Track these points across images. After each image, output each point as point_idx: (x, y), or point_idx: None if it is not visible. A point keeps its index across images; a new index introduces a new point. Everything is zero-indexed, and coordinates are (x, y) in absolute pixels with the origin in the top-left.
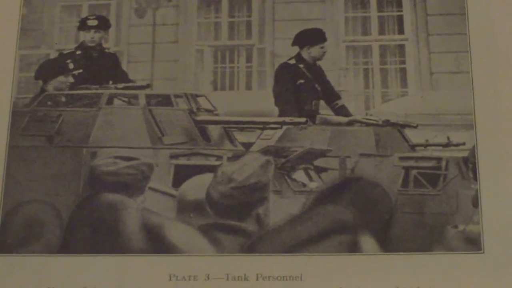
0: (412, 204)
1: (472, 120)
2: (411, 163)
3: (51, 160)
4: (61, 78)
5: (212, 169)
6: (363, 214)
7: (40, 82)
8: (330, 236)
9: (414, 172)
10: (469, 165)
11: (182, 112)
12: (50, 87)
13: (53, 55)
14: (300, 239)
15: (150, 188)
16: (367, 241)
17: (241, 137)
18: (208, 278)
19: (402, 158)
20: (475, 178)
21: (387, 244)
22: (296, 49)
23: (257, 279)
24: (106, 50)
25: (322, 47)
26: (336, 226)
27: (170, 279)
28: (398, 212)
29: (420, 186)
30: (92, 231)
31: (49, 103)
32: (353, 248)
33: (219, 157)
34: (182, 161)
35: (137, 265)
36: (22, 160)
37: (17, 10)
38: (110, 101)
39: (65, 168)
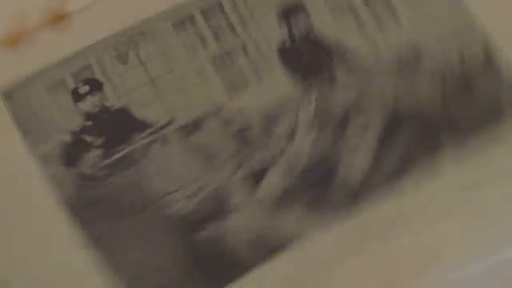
0: None
1: None
2: None
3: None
4: (87, 155)
5: None
6: None
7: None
8: None
9: None
10: None
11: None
12: (83, 169)
13: (67, 137)
14: None
15: None
16: None
17: None
18: None
19: None
20: None
21: None
22: None
23: None
24: (113, 109)
25: None
26: None
27: None
28: None
29: None
30: None
31: (90, 183)
32: None
33: None
34: None
35: None
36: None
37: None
38: (146, 152)
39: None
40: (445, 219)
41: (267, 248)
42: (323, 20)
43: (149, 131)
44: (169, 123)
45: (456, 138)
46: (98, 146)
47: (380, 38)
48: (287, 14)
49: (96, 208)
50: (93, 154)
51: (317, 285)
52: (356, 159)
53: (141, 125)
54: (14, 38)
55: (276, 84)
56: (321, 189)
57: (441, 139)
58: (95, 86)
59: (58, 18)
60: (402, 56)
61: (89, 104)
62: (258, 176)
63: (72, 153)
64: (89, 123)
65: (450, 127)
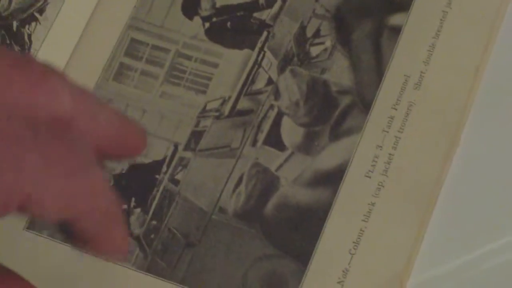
0: None
1: None
2: None
3: None
4: (133, 219)
5: None
6: None
7: None
8: None
9: None
10: None
11: None
12: (137, 231)
13: None
14: None
15: None
16: None
17: None
18: None
19: None
20: None
21: None
22: None
23: None
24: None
25: None
26: None
27: None
28: None
29: None
30: None
31: (150, 237)
32: None
33: None
34: None
35: None
36: None
37: None
38: (175, 181)
39: None
40: None
41: None
42: None
43: (164, 166)
44: (175, 149)
45: None
46: (135, 206)
47: None
48: None
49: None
50: (136, 215)
51: None
52: None
53: (155, 166)
54: None
55: None
56: None
57: None
58: None
59: None
60: None
61: None
62: None
63: None
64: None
65: None
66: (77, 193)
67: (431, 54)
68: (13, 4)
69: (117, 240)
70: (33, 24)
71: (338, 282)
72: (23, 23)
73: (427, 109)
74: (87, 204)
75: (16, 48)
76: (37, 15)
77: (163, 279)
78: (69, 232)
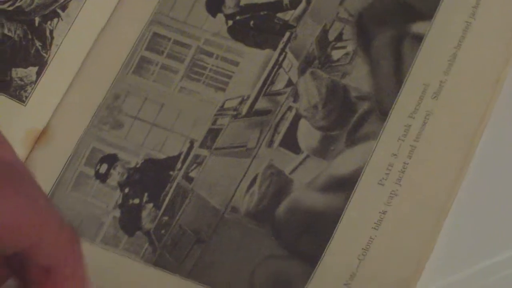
0: None
1: None
2: None
3: None
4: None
5: None
6: None
7: None
8: None
9: None
10: None
11: None
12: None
13: (117, 213)
14: None
15: None
16: None
17: None
18: None
19: None
20: None
21: None
22: None
23: None
24: (138, 165)
25: None
26: None
27: None
28: None
29: None
30: None
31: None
32: None
33: None
34: None
35: None
36: None
37: None
38: (189, 178)
39: None
40: None
41: None
42: None
43: (179, 162)
44: (191, 146)
45: None
46: (147, 201)
47: None
48: None
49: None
50: (148, 210)
51: None
52: None
53: (169, 162)
54: None
55: None
56: None
57: None
58: (111, 159)
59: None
60: None
61: (116, 176)
62: None
63: (129, 222)
64: (127, 189)
65: None
66: None
67: (452, 64)
68: (36, 0)
69: None
70: (55, 20)
71: (345, 284)
72: (45, 19)
73: (444, 119)
74: None
75: (38, 43)
76: (59, 11)
77: (170, 272)
78: None
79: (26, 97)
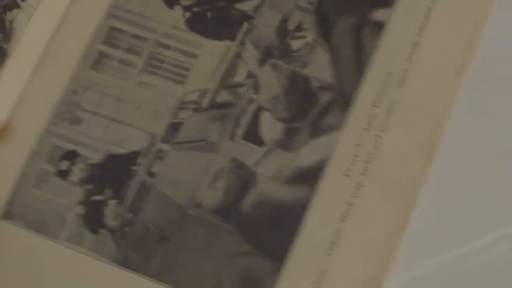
0: None
1: None
2: None
3: None
4: (107, 210)
5: None
6: None
7: None
8: None
9: None
10: None
11: None
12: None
13: (81, 209)
14: None
15: None
16: None
17: None
18: None
19: None
20: None
21: None
22: None
23: None
24: (99, 161)
25: None
26: None
27: None
28: None
29: None
30: None
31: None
32: None
33: None
34: None
35: None
36: None
37: None
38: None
39: None
40: None
41: None
42: None
43: (140, 157)
44: (152, 140)
45: None
46: (110, 197)
47: None
48: None
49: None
50: (111, 207)
51: None
52: None
53: (131, 157)
54: None
55: None
56: None
57: None
58: (71, 155)
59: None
60: None
61: (77, 172)
62: None
63: (93, 218)
64: (89, 186)
65: None
66: None
67: (414, 52)
68: None
69: None
70: (15, 10)
71: (314, 283)
72: (5, 9)
73: (409, 108)
74: None
75: None
76: (19, 1)
77: (137, 273)
78: None
79: None
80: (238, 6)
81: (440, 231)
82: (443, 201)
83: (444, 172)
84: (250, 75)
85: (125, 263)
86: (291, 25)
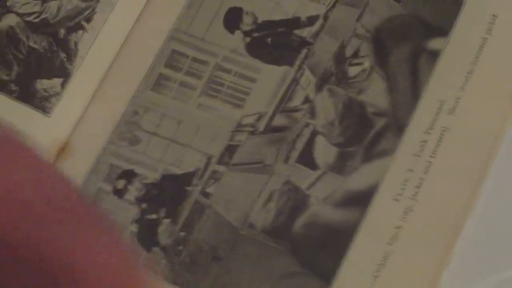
0: None
1: None
2: None
3: None
4: (161, 229)
5: None
6: None
7: None
8: None
9: None
10: None
11: None
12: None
13: (134, 228)
14: None
15: None
16: None
17: None
18: None
19: None
20: None
21: None
22: None
23: None
24: (156, 181)
25: None
26: None
27: None
28: None
29: None
30: None
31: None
32: None
33: None
34: None
35: None
36: None
37: None
38: (207, 194)
39: None
40: None
41: None
42: None
43: (196, 178)
44: (208, 162)
45: None
46: (164, 216)
47: None
48: None
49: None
50: (165, 225)
51: None
52: None
53: (186, 177)
54: None
55: None
56: None
57: None
58: (129, 175)
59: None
60: None
61: (134, 191)
62: None
63: (146, 237)
64: (144, 205)
65: None
66: None
67: (468, 80)
68: (61, 12)
69: None
70: (80, 32)
71: None
72: (70, 31)
73: (460, 136)
74: None
75: (63, 55)
76: (84, 23)
77: None
78: None
79: (51, 108)
80: (298, 32)
81: (486, 256)
82: (489, 228)
83: (493, 199)
84: (307, 100)
85: (176, 281)
86: (349, 52)
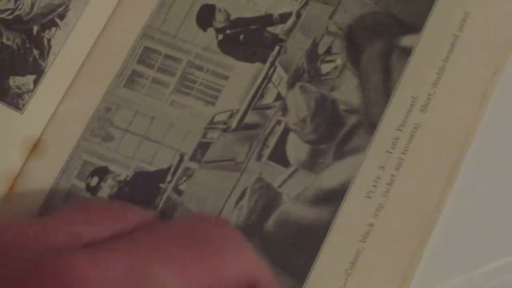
0: None
1: None
2: None
3: None
4: None
5: None
6: None
7: None
8: None
9: None
10: None
11: None
12: None
13: None
14: None
15: None
16: None
17: None
18: None
19: None
20: None
21: None
22: None
23: None
24: (128, 178)
25: None
26: None
27: None
28: None
29: None
30: None
31: None
32: None
33: None
34: None
35: None
36: None
37: None
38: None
39: None
40: None
41: None
42: None
43: (169, 175)
44: (181, 159)
45: None
46: None
47: None
48: None
49: None
50: None
51: None
52: None
53: (160, 175)
54: (10, 185)
55: None
56: None
57: None
58: (102, 172)
59: (34, 147)
60: None
61: (107, 189)
62: None
63: None
64: None
65: None
66: None
67: (440, 77)
68: (34, 9)
69: None
70: (53, 29)
71: None
72: (44, 27)
73: (432, 132)
74: None
75: (36, 52)
76: (57, 20)
77: None
78: None
79: (23, 105)
80: (270, 29)
81: (457, 254)
82: (461, 224)
83: (465, 195)
84: (279, 97)
85: None
86: (321, 49)
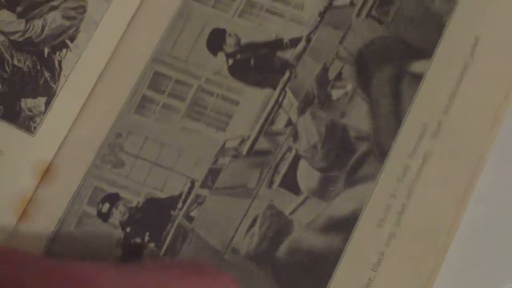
0: None
1: None
2: None
3: None
4: (146, 253)
5: None
6: None
7: None
8: None
9: None
10: None
11: None
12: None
13: (119, 251)
14: None
15: None
16: None
17: None
18: None
19: None
20: None
21: None
22: None
23: None
24: (140, 205)
25: None
26: None
27: None
28: None
29: None
30: None
31: None
32: None
33: None
34: None
35: None
36: None
37: None
38: (190, 218)
39: None
40: None
41: None
42: None
43: (180, 202)
44: (192, 185)
45: None
46: (149, 240)
47: None
48: None
49: None
50: (149, 249)
51: None
52: None
53: (171, 202)
54: (23, 210)
55: None
56: None
57: None
58: (113, 198)
59: (46, 172)
60: None
61: (118, 215)
62: None
63: (130, 260)
64: (129, 229)
65: None
66: None
67: (451, 103)
68: (45, 31)
69: None
70: (64, 50)
71: None
72: (54, 49)
73: (443, 159)
74: None
75: (47, 74)
76: (68, 42)
77: None
78: None
79: (35, 128)
80: (280, 54)
81: (469, 280)
82: (473, 250)
83: (476, 223)
84: (289, 123)
85: None
86: (331, 74)
